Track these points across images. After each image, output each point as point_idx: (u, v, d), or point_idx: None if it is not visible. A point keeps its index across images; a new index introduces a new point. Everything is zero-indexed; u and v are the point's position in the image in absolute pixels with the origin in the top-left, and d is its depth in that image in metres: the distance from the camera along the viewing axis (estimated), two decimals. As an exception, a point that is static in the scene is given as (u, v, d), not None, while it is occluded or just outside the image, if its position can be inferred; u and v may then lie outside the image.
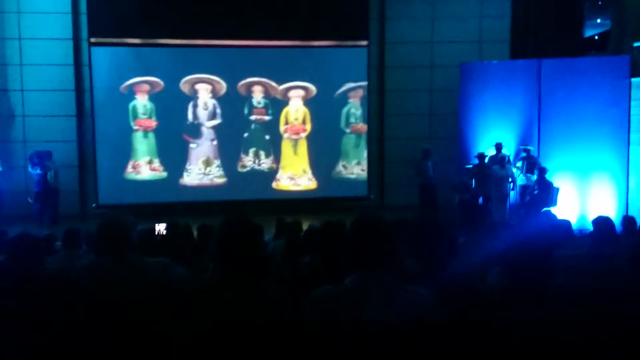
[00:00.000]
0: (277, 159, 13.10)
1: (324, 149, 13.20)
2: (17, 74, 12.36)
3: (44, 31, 12.32)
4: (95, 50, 12.33)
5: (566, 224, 6.47)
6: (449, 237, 2.87)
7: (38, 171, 11.56)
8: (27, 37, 12.33)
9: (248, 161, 12.99)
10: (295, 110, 13.11)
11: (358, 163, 13.32)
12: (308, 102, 13.10)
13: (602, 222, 5.26)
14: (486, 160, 11.04)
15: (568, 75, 10.93)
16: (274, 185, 13.05)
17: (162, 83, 12.61)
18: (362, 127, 13.27)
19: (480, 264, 3.18)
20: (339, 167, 13.29)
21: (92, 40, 12.33)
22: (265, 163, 12.98)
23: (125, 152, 12.52)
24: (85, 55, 12.45)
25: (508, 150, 11.25)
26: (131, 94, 12.55)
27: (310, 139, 13.17)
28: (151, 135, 12.70)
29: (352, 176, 13.34)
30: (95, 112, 12.36)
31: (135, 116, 12.61)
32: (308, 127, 13.16)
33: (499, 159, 10.92)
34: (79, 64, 12.54)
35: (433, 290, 2.34)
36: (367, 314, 2.22)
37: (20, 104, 12.41)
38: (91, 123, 12.44)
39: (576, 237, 6.59)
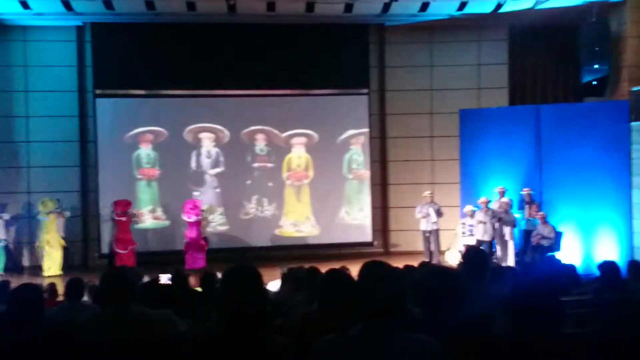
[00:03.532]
0: (280, 206, 13.11)
1: (326, 196, 13.23)
2: (23, 126, 12.53)
3: (50, 83, 12.55)
4: (100, 102, 12.54)
5: (571, 268, 6.43)
6: (455, 283, 2.85)
7: None
8: (33, 89, 12.55)
9: (251, 208, 13.01)
10: (298, 157, 13.20)
11: (361, 209, 13.31)
12: (310, 149, 13.20)
13: (608, 267, 5.23)
14: (489, 205, 11.04)
15: (567, 121, 11.04)
16: (277, 232, 13.02)
17: (165, 132, 12.76)
18: (365, 173, 13.33)
19: (486, 310, 3.14)
20: (342, 213, 13.29)
21: (97, 92, 12.56)
22: (268, 210, 12.99)
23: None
24: (90, 107, 12.64)
25: (510, 195, 11.26)
26: (135, 143, 12.69)
27: (312, 185, 13.22)
28: (154, 184, 12.77)
29: (355, 222, 13.31)
30: (99, 162, 12.48)
31: (139, 165, 12.71)
32: (310, 173, 13.22)
33: (502, 204, 10.92)
34: (84, 115, 12.73)
35: (439, 338, 2.31)
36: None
37: (26, 154, 12.53)
38: (95, 173, 12.53)
39: (582, 282, 6.53)
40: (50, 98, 12.56)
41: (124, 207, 11.61)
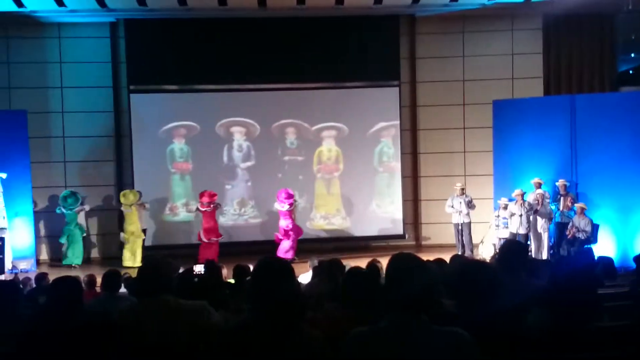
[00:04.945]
0: (311, 199, 13.15)
1: (357, 188, 13.22)
2: (59, 121, 12.79)
3: (85, 80, 12.78)
4: (134, 97, 12.73)
5: (608, 261, 6.31)
6: (488, 276, 2.83)
7: None
8: (69, 85, 12.80)
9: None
10: (328, 150, 13.21)
11: (392, 202, 13.26)
12: (340, 142, 13.19)
13: (645, 260, 5.12)
14: (525, 197, 10.88)
15: (603, 111, 10.81)
16: (308, 224, 13.06)
17: (198, 127, 12.91)
18: (395, 165, 13.27)
19: (520, 303, 3.11)
20: (373, 206, 13.26)
21: (131, 87, 12.76)
22: (299, 203, 13.03)
23: (163, 195, 12.75)
24: (125, 102, 12.84)
25: (546, 187, 11.08)
26: (169, 138, 12.87)
27: (343, 178, 13.22)
28: (188, 178, 12.94)
29: (386, 215, 13.27)
30: (134, 157, 12.68)
31: (173, 159, 12.89)
32: (341, 166, 13.22)
33: (538, 196, 10.75)
34: (118, 111, 12.95)
35: (472, 331, 2.29)
36: (404, 356, 2.19)
37: (62, 149, 12.81)
38: (130, 167, 12.75)
39: (618, 274, 6.41)
40: (86, 94, 12.80)
41: (210, 198, 11.60)
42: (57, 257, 12.33)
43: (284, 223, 11.61)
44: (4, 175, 11.02)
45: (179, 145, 12.92)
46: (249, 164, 13.07)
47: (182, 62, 12.70)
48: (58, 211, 12.10)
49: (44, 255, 12.60)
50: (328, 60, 12.84)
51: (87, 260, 12.32)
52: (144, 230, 12.05)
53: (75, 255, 11.83)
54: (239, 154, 13.05)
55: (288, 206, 11.63)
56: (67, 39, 12.81)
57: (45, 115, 12.72)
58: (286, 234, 11.60)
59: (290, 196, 11.71)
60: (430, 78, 13.25)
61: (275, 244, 11.68)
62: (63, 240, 11.89)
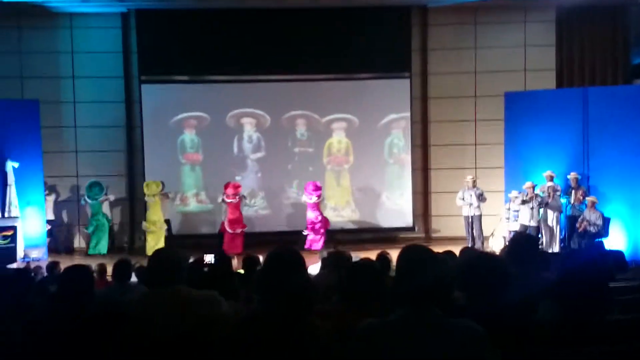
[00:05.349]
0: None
1: (367, 180, 13.20)
2: (71, 111, 12.85)
3: (96, 70, 12.82)
4: (146, 88, 12.76)
5: (619, 254, 6.27)
6: (498, 269, 2.82)
7: None
8: (80, 75, 12.84)
9: (292, 193, 13.09)
10: (338, 142, 13.19)
11: (401, 194, 13.24)
12: (351, 133, 13.16)
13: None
14: (536, 190, 10.82)
15: (616, 103, 10.70)
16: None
17: (208, 118, 12.92)
18: (405, 158, 13.23)
19: (530, 296, 3.10)
20: (383, 198, 13.24)
21: (143, 77, 12.77)
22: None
23: (174, 185, 12.79)
24: (136, 93, 12.87)
25: (557, 180, 11.00)
26: (179, 128, 12.89)
27: (353, 170, 13.20)
28: (198, 169, 12.99)
29: (396, 207, 13.25)
30: (145, 147, 12.73)
31: (184, 150, 12.93)
32: (351, 158, 13.20)
33: (549, 189, 10.69)
34: (130, 101, 12.98)
35: (481, 323, 2.28)
36: (415, 349, 2.18)
37: (73, 139, 12.87)
38: (141, 157, 12.79)
39: (629, 268, 6.37)
40: (97, 84, 12.84)
41: (234, 189, 11.64)
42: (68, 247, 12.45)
43: (312, 215, 11.68)
44: (16, 165, 11.09)
45: (189, 136, 12.95)
46: (259, 155, 13.08)
47: (193, 52, 12.71)
48: (82, 202, 12.18)
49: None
50: (339, 52, 12.78)
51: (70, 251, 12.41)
52: (167, 220, 12.04)
53: (101, 245, 11.90)
54: (249, 145, 13.07)
55: (316, 198, 11.69)
56: (78, 29, 12.84)
57: (57, 105, 12.77)
58: (313, 228, 11.63)
59: (318, 188, 11.78)
60: (441, 70, 13.17)
61: (301, 236, 11.72)
62: (90, 229, 11.94)
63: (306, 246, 11.36)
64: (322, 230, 11.72)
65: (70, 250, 12.52)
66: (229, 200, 11.61)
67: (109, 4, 12.31)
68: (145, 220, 11.78)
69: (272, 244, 10.47)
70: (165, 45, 12.68)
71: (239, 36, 12.71)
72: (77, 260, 9.82)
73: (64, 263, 7.05)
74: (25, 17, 12.55)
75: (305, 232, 11.74)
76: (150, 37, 12.71)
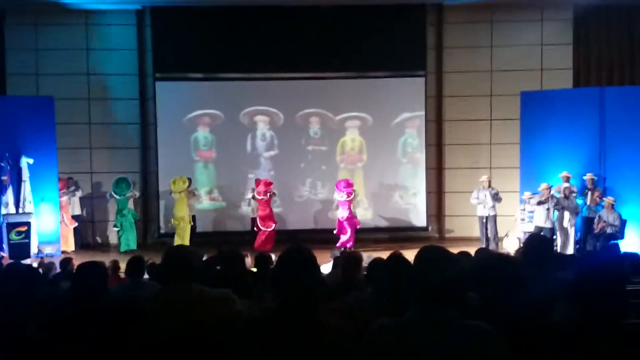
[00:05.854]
0: (334, 189, 13.10)
1: (380, 179, 13.17)
2: (85, 108, 12.92)
3: (111, 67, 12.90)
4: (160, 85, 12.81)
5: (635, 257, 6.20)
6: (513, 270, 2.78)
7: None
8: (95, 72, 12.91)
9: (305, 191, 13.09)
10: (352, 141, 13.16)
11: (415, 193, 13.18)
12: (364, 132, 13.13)
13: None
14: (551, 190, 10.71)
15: (633, 104, 10.61)
16: (330, 214, 13.04)
17: (222, 116, 12.95)
18: (420, 157, 13.16)
19: (545, 298, 3.06)
20: (396, 197, 13.20)
21: (157, 75, 12.83)
22: (322, 193, 13.04)
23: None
24: (150, 90, 12.93)
25: (573, 181, 10.89)
26: (193, 126, 12.93)
27: (366, 168, 13.17)
28: (211, 166, 13.02)
29: (409, 206, 13.21)
30: (159, 144, 12.78)
31: (197, 148, 12.97)
32: (364, 157, 13.17)
33: (565, 190, 10.59)
34: (144, 98, 13.04)
35: (495, 324, 2.26)
36: (428, 349, 2.16)
37: (88, 136, 12.94)
38: (155, 154, 12.85)
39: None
40: (112, 81, 12.91)
41: (265, 186, 11.59)
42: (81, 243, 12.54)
43: (342, 213, 11.54)
44: (30, 161, 11.18)
45: (203, 133, 12.99)
46: (272, 153, 13.09)
47: (207, 50, 12.75)
48: (108, 197, 12.24)
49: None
50: (353, 50, 12.76)
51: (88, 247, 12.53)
52: (193, 217, 11.98)
53: (131, 240, 11.90)
54: (262, 143, 13.08)
55: (346, 196, 11.54)
56: (94, 26, 12.93)
57: (72, 101, 12.86)
58: (341, 226, 11.51)
59: (349, 185, 11.62)
60: (457, 68, 13.09)
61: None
62: (118, 225, 11.97)
63: (338, 245, 11.20)
64: (349, 229, 11.54)
65: (96, 246, 12.67)
66: (260, 197, 11.56)
67: (124, 1, 12.38)
68: (173, 218, 11.71)
69: (283, 242, 10.49)
70: (179, 42, 12.73)
71: (253, 34, 12.72)
72: (112, 256, 9.67)
73: (86, 259, 7.07)
74: (41, 14, 12.64)
75: (335, 232, 11.63)
76: (164, 34, 12.77)
